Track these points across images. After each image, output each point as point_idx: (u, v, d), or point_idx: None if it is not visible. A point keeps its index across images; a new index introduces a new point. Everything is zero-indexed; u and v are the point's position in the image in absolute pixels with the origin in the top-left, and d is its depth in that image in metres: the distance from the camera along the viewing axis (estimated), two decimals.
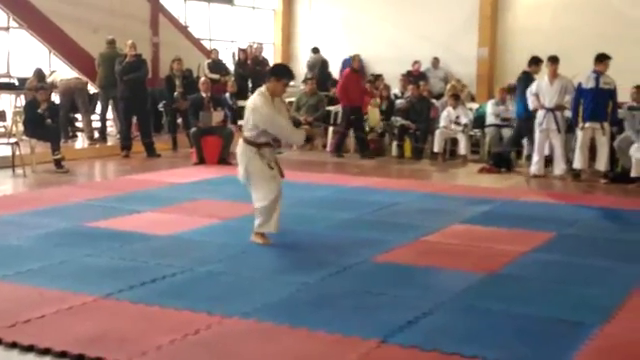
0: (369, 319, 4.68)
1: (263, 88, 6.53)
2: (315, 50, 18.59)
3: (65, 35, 14.48)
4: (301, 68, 19.12)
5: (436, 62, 18.12)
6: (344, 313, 4.82)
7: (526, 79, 11.30)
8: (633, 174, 10.13)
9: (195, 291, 5.24)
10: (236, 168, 10.51)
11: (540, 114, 10.80)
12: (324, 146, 13.88)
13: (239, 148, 6.63)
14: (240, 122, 14.51)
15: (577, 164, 10.67)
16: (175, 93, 13.13)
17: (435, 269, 5.91)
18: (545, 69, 11.05)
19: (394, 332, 4.43)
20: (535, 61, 11.41)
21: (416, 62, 17.73)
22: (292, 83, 17.33)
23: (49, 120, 10.70)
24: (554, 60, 10.79)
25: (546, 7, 17.22)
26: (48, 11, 14.36)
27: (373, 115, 13.44)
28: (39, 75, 13.41)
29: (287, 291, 5.24)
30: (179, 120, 13.54)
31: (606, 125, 10.50)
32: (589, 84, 10.39)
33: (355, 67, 13.38)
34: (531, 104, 11.05)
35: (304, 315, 4.75)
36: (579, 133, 10.57)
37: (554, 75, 10.74)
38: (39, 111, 10.61)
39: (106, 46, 13.49)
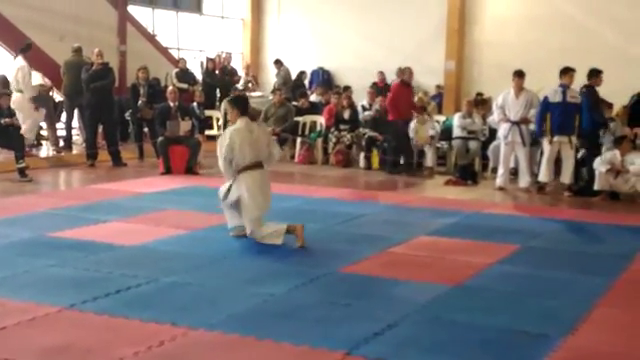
0: (335, 331, 4.68)
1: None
2: (278, 62, 18.50)
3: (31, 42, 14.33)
4: (271, 78, 19.16)
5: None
6: (310, 324, 4.81)
7: (589, 93, 10.80)
8: (596, 187, 10.26)
9: (160, 302, 5.20)
10: (203, 178, 10.54)
11: (505, 127, 10.89)
12: (292, 157, 13.87)
13: (266, 175, 7.19)
14: (207, 132, 14.58)
15: (542, 177, 10.77)
16: (139, 102, 13.03)
17: (401, 281, 5.92)
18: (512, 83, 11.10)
19: (360, 344, 4.44)
20: (595, 73, 10.83)
21: (380, 73, 17.82)
22: (260, 93, 17.38)
23: (16, 119, 10.60)
24: (520, 74, 10.89)
25: (512, 21, 17.46)
26: (13, 18, 14.22)
27: (421, 131, 12.86)
28: (3, 82, 13.25)
29: (253, 302, 5.22)
30: (146, 129, 13.45)
31: (573, 139, 10.60)
32: (556, 98, 10.48)
33: (406, 79, 12.73)
34: (497, 117, 11.15)
35: (270, 327, 4.73)
36: (546, 147, 10.66)
37: (520, 89, 10.84)
38: (2, 122, 10.47)
39: (72, 54, 13.37)
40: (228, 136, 6.98)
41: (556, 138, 10.54)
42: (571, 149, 10.58)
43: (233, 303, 5.20)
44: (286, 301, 5.29)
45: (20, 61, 12.30)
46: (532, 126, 11.14)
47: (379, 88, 16.70)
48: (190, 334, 4.57)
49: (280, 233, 6.93)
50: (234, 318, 4.88)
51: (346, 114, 13.62)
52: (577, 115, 10.54)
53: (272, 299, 5.31)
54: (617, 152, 10.19)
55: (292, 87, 17.74)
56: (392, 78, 18.03)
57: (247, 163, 7.00)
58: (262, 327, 4.70)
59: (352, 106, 13.91)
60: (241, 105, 7.30)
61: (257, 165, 7.07)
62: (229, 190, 7.07)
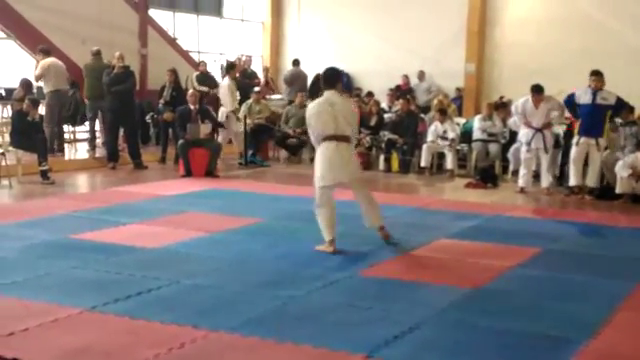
0: (355, 333, 4.68)
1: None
2: (296, 62, 18.55)
3: (53, 46, 14.44)
4: None
5: (422, 75, 18.24)
6: (330, 327, 4.81)
7: None
8: (618, 190, 10.17)
9: (181, 304, 5.22)
10: (223, 181, 10.49)
11: (529, 133, 10.78)
12: (311, 159, 13.84)
13: (348, 150, 6.97)
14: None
15: (573, 181, 10.58)
16: (159, 105, 13.03)
17: (421, 283, 5.91)
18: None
19: (380, 347, 4.43)
20: None
21: (405, 76, 17.81)
22: (280, 96, 17.39)
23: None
24: (537, 90, 10.67)
25: (532, 23, 17.37)
26: (36, 22, 14.35)
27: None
28: (26, 85, 13.35)
29: (273, 305, 5.22)
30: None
31: (601, 141, 10.45)
32: (585, 99, 10.34)
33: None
34: (518, 121, 11.08)
35: (290, 329, 4.73)
36: (574, 148, 10.55)
37: (538, 102, 10.70)
38: (29, 119, 10.60)
39: (91, 57, 13.45)
40: (308, 108, 7.07)
41: (583, 140, 10.44)
42: (598, 151, 10.45)
43: (253, 305, 5.20)
44: (306, 304, 5.29)
45: (226, 80, 13.61)
46: (555, 129, 11.00)
47: (402, 91, 16.65)
48: (210, 336, 4.58)
49: (327, 234, 6.84)
50: (254, 320, 4.88)
51: (373, 121, 13.57)
52: (606, 117, 10.41)
53: (292, 302, 5.32)
54: (639, 155, 10.09)
55: (310, 90, 17.70)
56: (415, 82, 18.11)
57: (327, 134, 6.92)
58: (282, 330, 4.71)
59: (379, 113, 13.86)
60: (327, 78, 7.13)
61: (336, 137, 6.92)
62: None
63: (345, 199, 9.81)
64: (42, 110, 12.91)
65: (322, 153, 6.96)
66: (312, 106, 7.04)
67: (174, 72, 13.29)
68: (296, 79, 17.94)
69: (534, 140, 10.73)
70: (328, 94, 7.00)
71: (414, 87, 18.12)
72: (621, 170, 10.07)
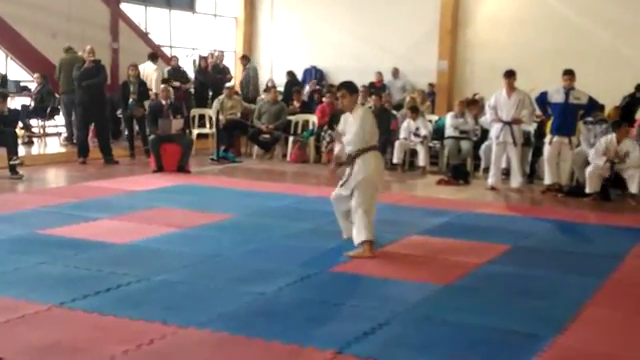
0: (325, 330, 4.69)
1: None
2: (245, 58, 18.41)
3: (23, 39, 14.31)
4: (263, 76, 19.11)
5: (396, 72, 18.29)
6: (300, 323, 4.81)
7: None
8: (588, 190, 10.25)
9: (150, 301, 5.19)
10: (194, 176, 10.44)
11: (497, 127, 10.89)
12: (284, 155, 13.87)
13: (369, 160, 6.71)
14: (199, 130, 14.52)
15: (548, 179, 10.68)
16: (130, 100, 12.96)
17: (392, 280, 5.93)
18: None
19: (350, 343, 4.44)
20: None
21: (379, 73, 17.84)
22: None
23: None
24: (509, 75, 10.83)
25: (505, 22, 17.49)
26: (6, 15, 14.19)
27: None
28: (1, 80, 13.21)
29: (243, 301, 5.21)
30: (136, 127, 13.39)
31: (573, 139, 10.61)
32: (557, 98, 10.47)
33: None
34: (489, 117, 11.16)
35: (260, 325, 4.73)
36: (547, 147, 10.65)
37: (511, 89, 10.81)
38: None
39: (65, 53, 13.33)
40: (369, 116, 6.91)
41: (556, 139, 10.54)
42: (570, 149, 10.58)
43: (223, 302, 5.19)
44: (276, 300, 5.29)
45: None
46: (524, 126, 11.16)
47: (376, 88, 16.67)
48: (180, 332, 4.56)
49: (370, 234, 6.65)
50: (224, 317, 4.87)
51: None
52: (578, 116, 10.54)
53: (262, 298, 5.31)
54: (613, 136, 10.12)
55: (286, 86, 17.67)
56: (388, 79, 18.17)
57: (372, 144, 6.81)
58: (252, 326, 4.70)
59: None
60: (356, 90, 7.16)
61: (377, 147, 6.93)
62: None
63: (312, 195, 9.85)
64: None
65: (377, 161, 6.85)
66: (370, 113, 7.06)
67: (137, 67, 13.20)
68: (249, 78, 17.86)
69: (502, 133, 10.80)
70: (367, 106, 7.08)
71: (388, 84, 18.16)
72: (595, 158, 10.12)
